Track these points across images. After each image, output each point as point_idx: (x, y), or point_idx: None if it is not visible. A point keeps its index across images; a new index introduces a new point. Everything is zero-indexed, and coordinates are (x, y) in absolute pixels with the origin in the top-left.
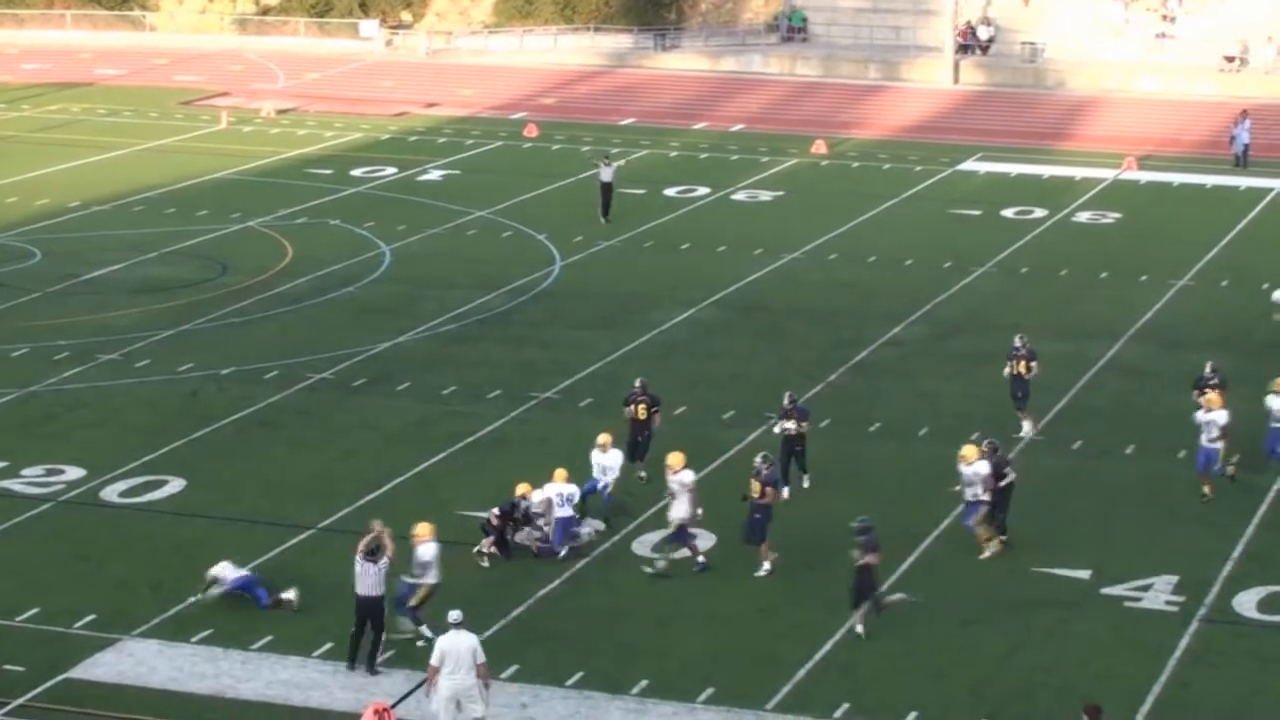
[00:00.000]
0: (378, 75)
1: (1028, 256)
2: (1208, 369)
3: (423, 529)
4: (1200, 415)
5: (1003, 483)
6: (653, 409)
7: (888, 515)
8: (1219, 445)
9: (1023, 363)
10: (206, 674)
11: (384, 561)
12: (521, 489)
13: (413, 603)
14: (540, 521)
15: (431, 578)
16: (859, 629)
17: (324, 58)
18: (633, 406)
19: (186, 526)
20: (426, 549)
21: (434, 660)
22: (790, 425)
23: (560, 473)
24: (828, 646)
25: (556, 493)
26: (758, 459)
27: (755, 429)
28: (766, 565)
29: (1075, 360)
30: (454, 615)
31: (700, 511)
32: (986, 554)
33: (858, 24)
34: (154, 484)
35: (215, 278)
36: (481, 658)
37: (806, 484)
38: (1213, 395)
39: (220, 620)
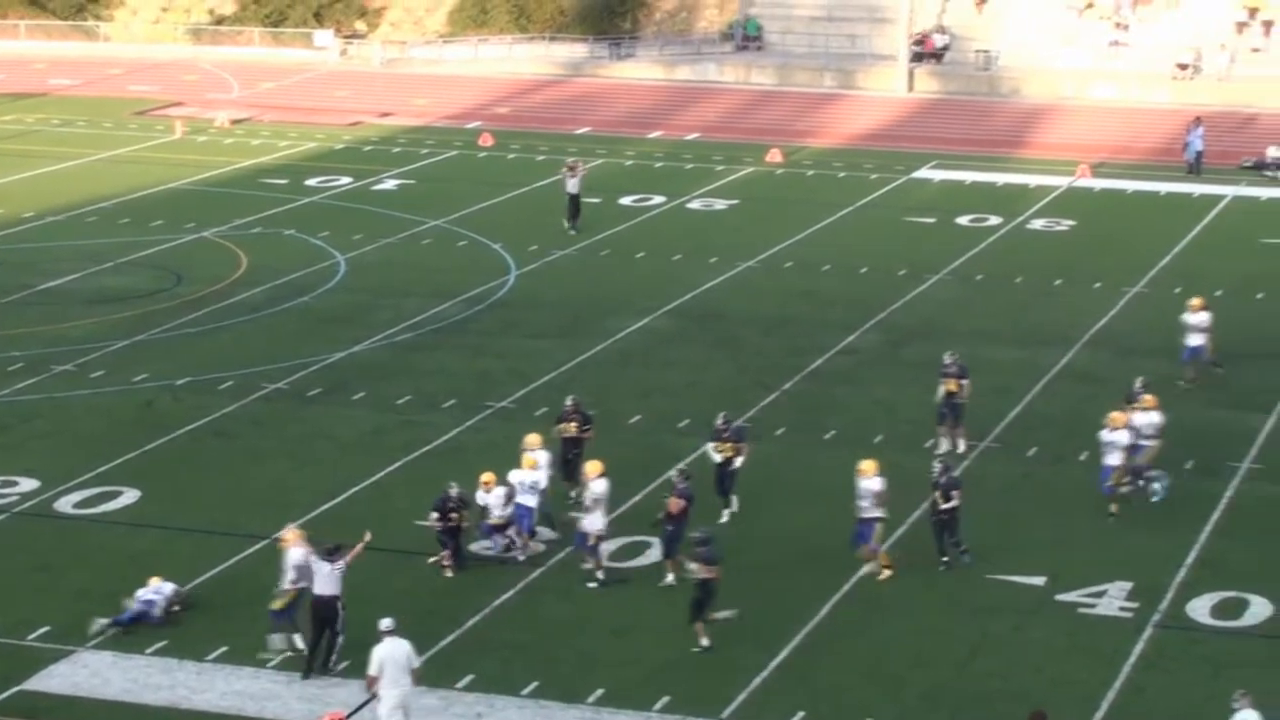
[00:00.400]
0: (332, 85)
1: (982, 264)
2: (1138, 384)
3: (290, 535)
4: (1105, 434)
5: (949, 505)
6: (584, 427)
7: (842, 522)
8: (1116, 462)
9: (953, 381)
10: (161, 685)
11: (341, 562)
12: (486, 478)
13: (276, 605)
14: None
15: (289, 582)
16: (704, 641)
17: (278, 67)
18: (564, 425)
19: (141, 537)
20: (295, 554)
21: (372, 670)
22: (738, 459)
23: (529, 459)
24: (784, 654)
25: (519, 480)
26: (674, 473)
27: (709, 438)
28: (670, 578)
29: (1029, 367)
30: (386, 623)
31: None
32: (882, 575)
33: (813, 32)
34: (108, 495)
35: (170, 288)
36: (416, 663)
37: (731, 512)
38: (1116, 414)
39: (175, 631)
